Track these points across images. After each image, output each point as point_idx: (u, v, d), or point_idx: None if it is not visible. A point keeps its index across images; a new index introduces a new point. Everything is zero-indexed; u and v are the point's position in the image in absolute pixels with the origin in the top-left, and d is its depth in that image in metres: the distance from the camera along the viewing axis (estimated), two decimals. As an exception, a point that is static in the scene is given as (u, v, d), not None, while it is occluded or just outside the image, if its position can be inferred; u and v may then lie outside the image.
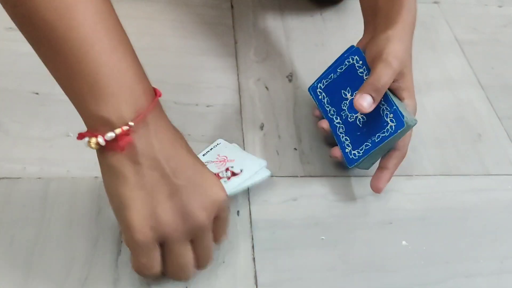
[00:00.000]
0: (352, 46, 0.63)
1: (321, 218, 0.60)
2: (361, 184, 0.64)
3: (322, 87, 0.65)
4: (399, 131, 0.56)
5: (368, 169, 0.63)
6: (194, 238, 0.48)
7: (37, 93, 0.67)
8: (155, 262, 0.48)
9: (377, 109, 0.58)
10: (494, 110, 0.76)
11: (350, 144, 0.61)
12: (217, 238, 0.51)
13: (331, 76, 0.64)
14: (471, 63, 0.83)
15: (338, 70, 0.63)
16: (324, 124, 0.64)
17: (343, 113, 0.62)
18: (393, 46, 0.56)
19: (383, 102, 0.58)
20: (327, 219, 0.60)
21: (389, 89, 0.58)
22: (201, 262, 0.50)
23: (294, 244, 0.58)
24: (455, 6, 0.94)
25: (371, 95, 0.56)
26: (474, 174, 0.68)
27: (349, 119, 0.61)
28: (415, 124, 0.58)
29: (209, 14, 0.83)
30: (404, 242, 0.60)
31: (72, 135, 0.63)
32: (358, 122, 0.60)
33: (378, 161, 0.62)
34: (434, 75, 0.80)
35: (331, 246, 0.58)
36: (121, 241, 0.55)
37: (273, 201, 0.61)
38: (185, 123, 0.66)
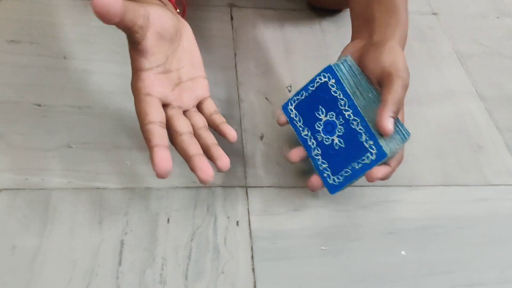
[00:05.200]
0: (329, 66, 0.59)
1: (321, 228, 0.61)
2: (361, 194, 0.64)
3: (294, 104, 0.61)
4: (381, 160, 0.54)
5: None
6: None
7: (39, 105, 0.68)
8: None
9: (354, 133, 0.55)
10: (494, 121, 0.77)
11: (328, 169, 0.57)
12: None
13: (303, 94, 0.60)
14: (470, 74, 0.84)
15: (310, 88, 0.60)
16: (294, 156, 0.60)
17: (317, 135, 0.58)
18: (401, 59, 0.55)
19: (361, 128, 0.55)
20: (328, 229, 0.61)
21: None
22: None
23: (294, 254, 0.58)
24: (454, 18, 0.95)
25: (392, 116, 0.53)
26: (474, 185, 0.68)
27: (324, 142, 0.58)
28: (406, 140, 0.55)
29: (209, 26, 0.84)
30: (404, 252, 0.60)
31: (74, 146, 0.64)
32: (334, 146, 0.57)
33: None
34: (434, 87, 0.81)
35: (332, 256, 0.58)
36: (122, 251, 0.55)
37: (273, 211, 0.61)
38: (185, 134, 0.67)
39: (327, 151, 0.58)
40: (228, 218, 0.60)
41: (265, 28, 0.86)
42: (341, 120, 0.57)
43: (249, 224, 0.60)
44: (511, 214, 0.65)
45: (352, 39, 0.63)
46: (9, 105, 0.68)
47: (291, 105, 0.61)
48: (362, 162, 0.55)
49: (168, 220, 0.59)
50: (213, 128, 0.56)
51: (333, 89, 0.58)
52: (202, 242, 0.57)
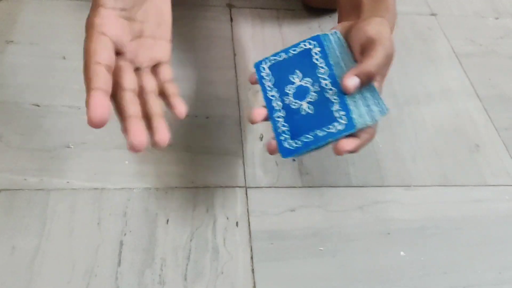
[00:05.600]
0: (317, 35, 0.57)
1: (319, 229, 0.61)
2: (359, 194, 0.65)
3: (269, 64, 0.57)
4: (348, 132, 0.51)
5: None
6: None
7: (37, 105, 0.68)
8: None
9: (326, 102, 0.53)
10: (492, 121, 0.77)
11: (288, 132, 0.53)
12: None
13: (281, 55, 0.57)
14: (468, 74, 0.84)
15: (291, 51, 0.57)
16: (256, 115, 0.55)
17: (286, 98, 0.55)
18: (387, 31, 0.54)
19: (336, 98, 0.53)
20: (326, 229, 0.61)
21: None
22: None
23: (293, 254, 0.58)
24: (453, 18, 0.95)
25: (360, 78, 0.51)
26: (472, 185, 0.68)
27: (292, 106, 0.54)
28: (383, 115, 0.52)
29: (208, 26, 0.84)
30: (402, 253, 0.60)
31: (72, 146, 0.64)
32: (302, 111, 0.54)
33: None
34: (432, 87, 0.81)
35: (330, 256, 0.58)
36: (121, 252, 0.55)
37: (272, 212, 0.61)
38: (184, 135, 0.67)
39: (292, 115, 0.54)
40: (227, 218, 0.60)
41: (264, 28, 0.86)
42: (316, 87, 0.55)
43: (249, 225, 0.60)
44: (509, 215, 0.66)
45: (340, 20, 0.62)
46: (8, 105, 0.68)
47: (265, 63, 0.58)
48: (327, 130, 0.52)
49: (167, 220, 0.59)
50: (162, 97, 0.51)
51: (316, 56, 0.56)
52: (201, 243, 0.57)
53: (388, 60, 0.54)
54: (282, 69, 0.57)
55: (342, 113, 0.52)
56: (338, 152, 0.52)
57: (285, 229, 0.60)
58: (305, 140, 0.52)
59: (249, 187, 0.63)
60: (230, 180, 0.64)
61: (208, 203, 0.61)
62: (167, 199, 0.61)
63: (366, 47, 0.53)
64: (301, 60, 0.56)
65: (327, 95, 0.53)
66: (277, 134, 0.54)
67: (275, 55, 0.58)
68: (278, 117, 0.55)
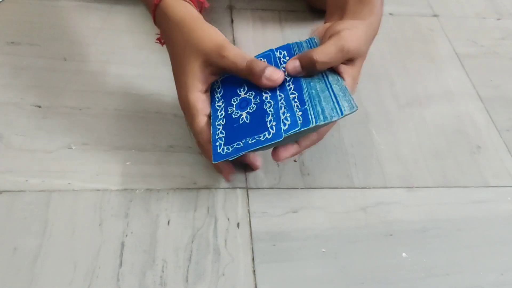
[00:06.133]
0: (289, 44, 0.61)
1: (321, 230, 0.61)
2: (361, 195, 0.64)
3: (222, 77, 0.61)
4: (274, 141, 0.53)
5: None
6: None
7: (39, 106, 0.68)
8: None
9: (263, 113, 0.56)
10: (493, 122, 0.77)
11: (223, 139, 0.56)
12: None
13: None
14: (470, 75, 0.84)
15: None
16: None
17: (230, 108, 0.58)
18: (354, 31, 0.56)
19: (271, 110, 0.56)
20: (327, 231, 0.61)
21: (336, 70, 0.57)
22: None
23: (295, 256, 0.58)
24: (454, 20, 0.95)
25: (301, 62, 0.56)
26: (474, 186, 0.68)
27: (233, 115, 0.57)
28: (340, 117, 0.54)
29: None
30: (404, 254, 0.60)
31: (74, 147, 0.64)
32: (240, 120, 0.57)
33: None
34: (433, 88, 0.81)
35: (332, 258, 0.58)
36: (122, 253, 0.55)
37: (273, 213, 0.61)
38: (185, 136, 0.67)
39: (231, 123, 0.57)
40: (228, 220, 0.60)
41: (265, 30, 0.86)
42: (257, 100, 0.57)
43: (250, 226, 0.60)
44: (511, 216, 0.65)
45: (324, 22, 0.64)
46: (9, 106, 0.68)
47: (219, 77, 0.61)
48: (257, 138, 0.54)
49: (168, 222, 0.59)
50: None
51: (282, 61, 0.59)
52: (203, 244, 0.57)
53: (343, 54, 0.56)
54: (232, 82, 0.60)
55: (274, 123, 0.54)
56: (276, 159, 0.58)
57: (287, 230, 0.60)
58: (237, 146, 0.55)
59: (250, 188, 0.63)
60: (231, 181, 0.64)
61: (209, 204, 0.61)
62: (168, 200, 0.61)
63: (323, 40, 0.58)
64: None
65: (265, 107, 0.56)
66: (214, 140, 0.57)
67: None
68: (218, 125, 0.58)
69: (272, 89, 0.57)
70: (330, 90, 0.56)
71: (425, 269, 0.59)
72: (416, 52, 0.87)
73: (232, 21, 0.86)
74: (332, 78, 0.57)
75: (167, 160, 0.64)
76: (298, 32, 0.86)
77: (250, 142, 0.54)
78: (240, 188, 0.63)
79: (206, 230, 0.59)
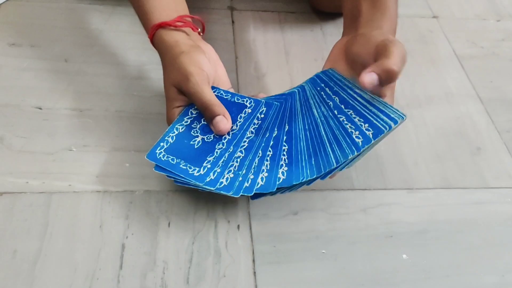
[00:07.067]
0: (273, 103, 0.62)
1: (321, 232, 0.61)
2: (361, 197, 0.64)
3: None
4: (193, 183, 0.55)
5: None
6: None
7: (40, 108, 0.68)
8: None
9: (213, 148, 0.57)
10: (493, 124, 0.77)
11: (168, 143, 0.58)
12: None
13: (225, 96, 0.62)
14: (470, 77, 0.84)
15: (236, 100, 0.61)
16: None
17: (194, 124, 0.59)
18: (393, 36, 0.55)
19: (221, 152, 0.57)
20: (328, 232, 0.61)
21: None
22: None
23: (295, 257, 0.58)
24: (454, 21, 0.95)
25: (379, 76, 0.51)
26: (474, 187, 0.68)
27: (192, 132, 0.59)
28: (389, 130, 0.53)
29: (210, 29, 0.84)
30: (404, 256, 0.60)
31: (75, 149, 0.64)
32: (193, 140, 0.58)
33: None
34: (433, 89, 0.81)
35: (332, 259, 0.58)
36: (123, 255, 0.55)
37: (273, 215, 0.61)
38: (186, 137, 0.67)
39: (185, 137, 0.58)
40: (228, 222, 0.60)
41: (266, 31, 0.86)
42: (223, 136, 0.58)
43: (250, 228, 0.60)
44: (511, 218, 0.65)
45: (342, 36, 0.64)
46: (10, 108, 0.68)
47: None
48: (188, 167, 0.56)
49: (168, 223, 0.59)
50: None
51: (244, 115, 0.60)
52: (203, 246, 0.57)
53: (405, 60, 0.52)
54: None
55: (218, 169, 0.55)
56: None
57: (287, 232, 0.60)
58: (171, 162, 0.56)
59: (251, 190, 0.63)
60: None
61: (209, 206, 0.61)
62: (169, 202, 0.61)
63: (379, 51, 0.53)
64: (231, 109, 0.60)
65: (223, 146, 0.57)
66: (161, 139, 0.58)
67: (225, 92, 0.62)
68: (176, 129, 0.58)
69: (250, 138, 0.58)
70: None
71: (425, 270, 0.59)
72: (416, 54, 0.87)
73: (233, 22, 0.87)
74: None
75: (167, 161, 0.64)
76: (298, 33, 0.86)
77: (181, 166, 0.56)
78: (240, 189, 0.63)
79: (207, 232, 0.59)
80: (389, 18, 0.59)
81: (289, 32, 0.87)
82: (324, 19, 0.90)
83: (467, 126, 0.76)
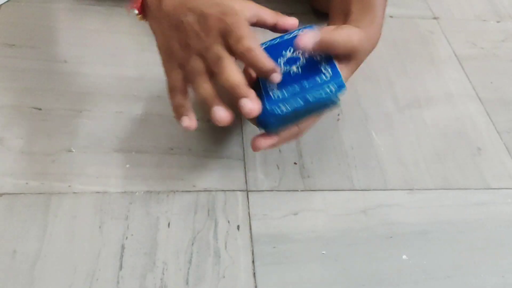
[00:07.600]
0: (312, 25, 0.60)
1: (321, 232, 0.61)
2: (361, 198, 0.64)
3: (263, 46, 0.59)
4: (335, 83, 0.53)
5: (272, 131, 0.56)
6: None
7: (39, 109, 0.68)
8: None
9: (313, 64, 0.55)
10: (493, 124, 0.77)
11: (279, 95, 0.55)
12: None
13: (277, 40, 0.60)
14: (470, 77, 0.84)
15: (286, 37, 0.59)
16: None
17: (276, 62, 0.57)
18: (359, 31, 0.57)
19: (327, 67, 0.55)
20: (328, 233, 0.61)
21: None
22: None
23: (295, 258, 0.58)
24: (454, 22, 0.95)
25: (317, 37, 0.53)
26: (474, 188, 0.68)
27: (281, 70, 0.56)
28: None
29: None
30: (404, 256, 0.60)
31: (74, 150, 0.64)
32: (291, 72, 0.56)
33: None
34: (433, 90, 0.81)
35: (332, 260, 0.58)
36: (123, 256, 0.55)
37: (273, 216, 0.61)
38: (186, 138, 0.67)
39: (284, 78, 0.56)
40: (228, 222, 0.60)
41: (266, 31, 0.86)
42: (305, 57, 0.57)
43: (250, 228, 0.60)
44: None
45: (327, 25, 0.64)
46: (9, 109, 0.67)
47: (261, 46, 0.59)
48: (314, 81, 0.54)
49: (168, 224, 0.59)
50: None
51: None
52: (203, 247, 0.57)
53: (348, 41, 0.55)
54: (276, 49, 0.59)
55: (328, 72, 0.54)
56: (254, 149, 0.56)
57: (287, 232, 0.60)
58: (293, 91, 0.54)
59: (250, 191, 0.63)
60: (231, 184, 0.64)
61: (209, 207, 0.61)
62: (169, 203, 0.61)
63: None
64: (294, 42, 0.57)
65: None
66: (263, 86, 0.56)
67: (271, 40, 0.61)
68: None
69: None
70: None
71: (426, 271, 0.59)
72: (416, 54, 0.87)
73: (232, 24, 0.86)
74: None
75: (167, 162, 0.64)
76: (298, 34, 0.86)
77: (307, 86, 0.54)
78: (240, 190, 0.63)
79: (207, 232, 0.59)
80: (374, 23, 0.60)
81: (289, 33, 0.86)
82: (323, 20, 0.89)
83: (467, 127, 0.76)
